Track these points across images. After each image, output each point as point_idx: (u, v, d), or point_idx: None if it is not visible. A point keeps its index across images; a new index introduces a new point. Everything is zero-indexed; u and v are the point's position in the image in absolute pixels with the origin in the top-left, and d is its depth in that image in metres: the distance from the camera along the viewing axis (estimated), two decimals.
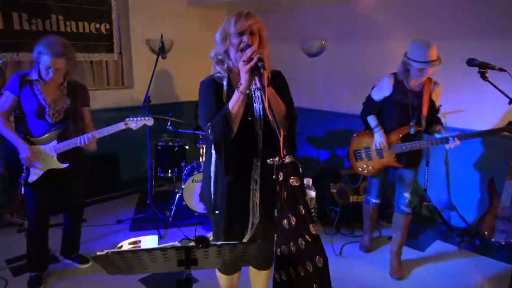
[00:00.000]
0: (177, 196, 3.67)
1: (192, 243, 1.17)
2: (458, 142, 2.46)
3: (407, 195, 2.77)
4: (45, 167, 2.46)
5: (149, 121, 2.67)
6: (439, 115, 2.78)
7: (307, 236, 1.19)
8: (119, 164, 4.50)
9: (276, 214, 1.36)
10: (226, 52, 1.70)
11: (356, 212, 3.38)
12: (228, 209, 1.78)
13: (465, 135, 2.50)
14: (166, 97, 4.79)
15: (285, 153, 1.31)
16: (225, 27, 1.67)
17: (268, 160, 1.36)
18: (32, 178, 2.44)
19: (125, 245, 1.29)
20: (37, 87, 2.38)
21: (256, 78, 1.51)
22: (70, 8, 3.98)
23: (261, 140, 1.72)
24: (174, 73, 4.87)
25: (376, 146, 2.73)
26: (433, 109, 2.68)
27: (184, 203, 3.52)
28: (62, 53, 2.28)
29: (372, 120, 2.80)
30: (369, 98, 2.85)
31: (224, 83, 1.73)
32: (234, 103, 1.58)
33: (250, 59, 1.50)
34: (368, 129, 2.86)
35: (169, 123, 3.75)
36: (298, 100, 4.57)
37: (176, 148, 3.84)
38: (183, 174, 3.75)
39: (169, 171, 3.84)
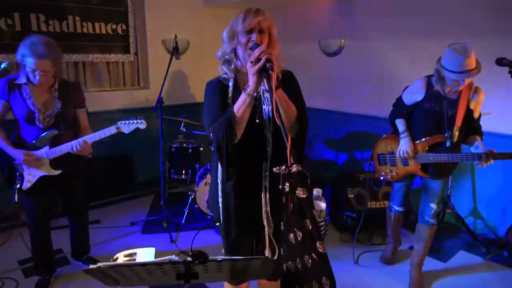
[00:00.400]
0: (190, 198, 3.61)
1: (189, 258, 1.09)
2: (491, 161, 2.26)
3: (433, 206, 2.58)
4: (39, 174, 2.37)
5: (142, 125, 2.50)
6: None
7: (313, 254, 1.09)
8: (134, 164, 4.49)
9: (282, 227, 1.26)
10: (234, 52, 1.62)
11: (374, 218, 3.23)
12: (236, 218, 1.69)
13: (501, 154, 2.28)
14: (180, 98, 4.76)
15: (292, 161, 1.21)
16: (233, 25, 1.58)
17: (274, 169, 1.26)
18: (26, 185, 2.37)
19: (121, 257, 1.22)
20: (25, 91, 2.26)
21: (264, 80, 1.42)
22: (87, 9, 3.99)
23: (270, 143, 1.62)
24: (190, 73, 4.83)
25: (400, 153, 2.57)
26: (471, 119, 2.43)
27: (196, 206, 3.47)
28: (46, 54, 2.14)
29: (400, 124, 2.62)
30: (399, 100, 2.66)
31: (230, 84, 1.64)
32: (240, 106, 1.49)
33: (258, 59, 1.41)
34: (396, 133, 2.70)
35: (182, 124, 3.71)
36: (316, 101, 4.52)
37: (190, 150, 3.79)
38: (196, 177, 3.70)
39: (183, 173, 3.79)
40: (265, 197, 1.66)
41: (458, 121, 2.37)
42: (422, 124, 2.52)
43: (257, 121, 1.58)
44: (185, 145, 3.80)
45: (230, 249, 1.78)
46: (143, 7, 4.38)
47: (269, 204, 1.67)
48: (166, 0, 4.49)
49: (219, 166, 1.70)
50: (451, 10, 3.31)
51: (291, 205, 1.18)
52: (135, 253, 1.20)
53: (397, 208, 2.83)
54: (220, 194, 1.73)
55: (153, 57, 4.51)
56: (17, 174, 2.36)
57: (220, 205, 1.73)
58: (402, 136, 2.58)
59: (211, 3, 4.74)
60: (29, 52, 2.11)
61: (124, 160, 4.41)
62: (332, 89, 4.41)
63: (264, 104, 1.62)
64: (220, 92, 1.63)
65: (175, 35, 3.57)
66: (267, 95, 1.63)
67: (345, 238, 3.34)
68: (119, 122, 2.41)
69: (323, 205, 1.32)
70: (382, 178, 2.76)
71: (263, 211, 1.68)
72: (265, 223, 1.68)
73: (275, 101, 1.34)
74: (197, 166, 3.77)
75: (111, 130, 2.35)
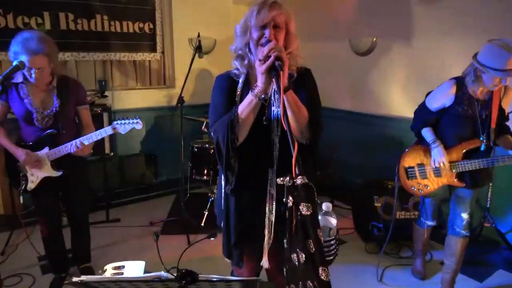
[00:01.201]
0: (210, 200, 3.53)
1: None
2: None
3: (465, 216, 2.37)
4: (41, 175, 2.31)
5: (138, 125, 2.31)
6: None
7: (315, 282, 0.95)
8: (157, 163, 4.49)
9: (285, 245, 1.13)
10: (247, 47, 1.50)
11: (403, 230, 3.00)
12: (235, 224, 1.58)
13: None
14: (205, 97, 4.68)
15: (297, 172, 1.07)
16: (247, 18, 1.46)
17: (278, 180, 1.13)
18: (30, 186, 2.31)
19: (109, 269, 1.13)
20: (23, 90, 2.18)
21: (274, 80, 1.29)
22: (115, 8, 4.01)
23: (277, 148, 1.49)
24: (215, 73, 4.75)
25: (434, 164, 2.35)
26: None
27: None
28: (40, 49, 2.01)
29: (428, 134, 2.39)
30: (423, 107, 2.44)
31: (240, 80, 1.53)
32: (245, 107, 1.37)
33: (267, 57, 1.28)
34: (421, 143, 2.49)
35: (204, 124, 3.63)
36: (343, 101, 4.31)
37: (212, 151, 3.71)
38: (218, 178, 3.60)
39: (204, 173, 3.72)
40: (270, 205, 1.54)
41: (493, 123, 2.21)
42: (455, 130, 2.31)
43: (264, 123, 1.45)
44: (207, 145, 3.73)
45: (229, 256, 1.66)
46: (170, 6, 4.35)
47: (274, 214, 1.54)
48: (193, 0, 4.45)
49: None
50: (488, 6, 3.02)
51: (294, 222, 1.05)
52: (123, 266, 1.11)
53: (430, 223, 2.60)
54: (223, 197, 1.63)
55: (180, 56, 4.48)
56: (21, 175, 2.32)
57: (223, 208, 1.64)
58: (433, 145, 2.35)
59: (240, 1, 4.64)
60: (22, 48, 1.99)
61: (148, 158, 4.41)
62: (361, 89, 4.19)
63: (273, 106, 1.49)
64: (228, 88, 1.53)
65: (198, 34, 3.50)
66: (277, 96, 1.50)
67: (371, 249, 3.13)
68: (115, 122, 2.27)
69: (334, 221, 1.18)
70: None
71: (265, 219, 1.56)
72: (266, 231, 1.56)
73: (283, 103, 1.20)
74: (218, 167, 3.68)
75: (108, 131, 2.23)
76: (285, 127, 1.16)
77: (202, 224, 3.44)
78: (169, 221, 3.59)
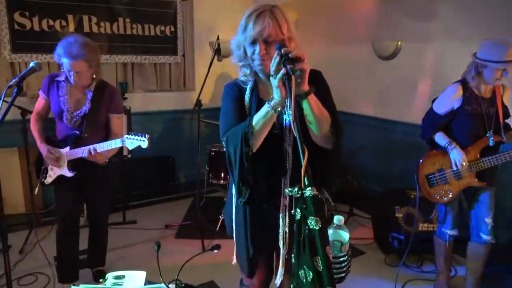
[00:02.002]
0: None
1: None
2: None
3: (488, 220, 2.34)
4: (58, 172, 2.36)
5: (144, 143, 2.19)
6: None
7: None
8: (175, 166, 4.49)
9: (293, 260, 1.06)
10: (247, 58, 1.42)
11: (425, 242, 2.85)
12: (249, 235, 1.52)
13: None
14: None
15: (307, 183, 1.00)
16: (238, 33, 1.38)
17: (286, 190, 1.06)
18: (48, 180, 2.38)
19: (110, 278, 1.09)
20: (62, 88, 2.28)
21: (285, 84, 1.22)
22: (137, 11, 4.05)
23: (290, 158, 1.43)
24: (236, 76, 4.71)
25: (456, 166, 2.31)
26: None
27: None
28: (81, 55, 2.10)
29: (441, 138, 2.37)
30: (431, 113, 2.43)
31: (248, 87, 1.47)
32: (260, 119, 1.30)
33: (277, 70, 1.20)
34: (436, 148, 2.44)
35: None
36: (365, 106, 4.19)
37: None
38: (228, 187, 3.56)
39: (222, 177, 3.68)
40: (284, 217, 1.47)
41: (501, 118, 2.29)
42: (468, 129, 2.33)
43: (276, 131, 1.39)
44: (224, 149, 3.68)
45: (245, 266, 1.61)
46: (191, 9, 4.37)
47: (287, 225, 1.47)
48: (215, 2, 4.45)
49: None
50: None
51: (302, 237, 0.98)
52: (123, 276, 1.07)
53: (451, 232, 2.47)
54: (233, 206, 1.58)
55: (200, 59, 4.49)
56: (43, 168, 2.40)
57: (233, 217, 1.59)
58: (450, 148, 2.33)
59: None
60: (64, 52, 2.10)
61: (166, 161, 4.42)
62: (385, 94, 4.06)
63: (285, 114, 1.42)
64: (237, 97, 1.47)
65: (217, 36, 3.48)
66: (289, 103, 1.43)
67: (391, 262, 3.00)
68: (126, 136, 2.21)
69: (346, 236, 1.10)
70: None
71: (280, 231, 1.49)
72: (281, 244, 1.50)
73: (294, 109, 1.13)
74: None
75: (117, 143, 2.21)
76: (295, 133, 1.10)
77: (217, 229, 3.40)
78: (185, 224, 3.56)
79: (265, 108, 1.29)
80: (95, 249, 2.70)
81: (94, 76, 2.30)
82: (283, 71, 1.18)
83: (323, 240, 0.93)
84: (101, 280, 1.11)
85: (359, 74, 4.25)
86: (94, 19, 3.82)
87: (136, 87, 4.26)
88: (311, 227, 0.95)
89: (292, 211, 1.05)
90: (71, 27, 3.72)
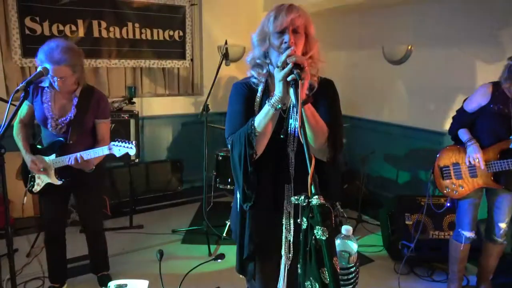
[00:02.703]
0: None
1: None
2: None
3: (502, 225, 2.35)
4: (45, 180, 2.29)
5: (131, 150, 2.18)
6: None
7: None
8: (183, 170, 4.48)
9: (299, 270, 1.03)
10: (266, 55, 1.42)
11: (435, 251, 2.80)
12: (251, 242, 1.49)
13: None
14: None
15: (313, 191, 0.97)
16: (264, 25, 1.38)
17: (292, 198, 1.03)
18: (36, 188, 2.32)
19: (112, 287, 1.07)
20: (46, 95, 2.19)
21: (291, 90, 1.20)
22: (146, 16, 4.07)
23: (293, 164, 1.40)
24: None
25: (470, 161, 2.31)
26: None
27: None
28: (63, 60, 2.01)
29: (464, 134, 2.39)
30: (461, 111, 2.44)
31: (259, 89, 1.44)
32: (262, 119, 1.28)
33: (285, 64, 1.20)
34: (459, 144, 2.46)
35: None
36: (375, 112, 4.14)
37: None
38: (234, 192, 3.53)
39: (229, 183, 3.65)
40: (287, 224, 1.45)
41: None
42: (491, 128, 2.32)
43: (281, 136, 1.36)
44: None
45: (241, 271, 1.58)
46: (200, 14, 4.38)
47: (292, 233, 1.44)
48: (223, 7, 4.45)
49: None
50: None
51: (309, 247, 0.95)
52: (126, 285, 1.04)
53: (468, 234, 2.40)
54: (238, 211, 1.55)
55: (208, 64, 4.49)
56: (30, 176, 2.34)
57: (238, 223, 1.55)
58: (469, 143, 2.34)
59: (270, 9, 4.58)
60: (45, 57, 2.01)
61: (173, 165, 4.42)
62: (395, 99, 4.00)
63: (291, 119, 1.40)
64: (246, 97, 1.44)
65: (225, 41, 3.47)
66: (296, 108, 1.41)
67: (400, 270, 2.93)
68: (112, 143, 2.19)
69: (354, 246, 1.06)
70: (447, 202, 2.56)
71: (283, 239, 1.46)
72: (283, 252, 1.47)
73: (301, 115, 1.11)
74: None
75: (104, 151, 2.18)
76: (302, 140, 1.07)
77: (224, 235, 3.37)
78: (191, 230, 3.54)
79: (266, 107, 1.28)
80: (94, 255, 2.67)
81: (79, 81, 2.22)
82: (289, 65, 1.17)
83: (330, 250, 0.90)
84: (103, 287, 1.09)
85: (368, 78, 4.20)
86: (103, 24, 3.85)
87: (145, 91, 4.28)
88: (318, 237, 0.92)
89: (298, 220, 1.03)
90: (81, 32, 3.75)
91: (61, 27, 3.65)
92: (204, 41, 4.45)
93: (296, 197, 1.02)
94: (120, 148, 2.15)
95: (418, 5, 3.62)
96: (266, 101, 1.28)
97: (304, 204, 0.98)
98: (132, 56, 4.09)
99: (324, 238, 0.90)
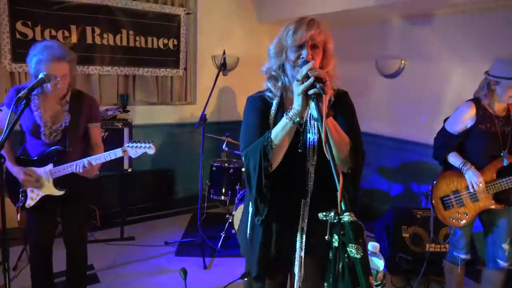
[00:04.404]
0: (227, 222, 3.41)
1: None
2: None
3: (506, 246, 2.25)
4: (42, 192, 2.15)
5: (150, 149, 2.15)
6: None
7: None
8: (174, 180, 4.41)
9: None
10: (282, 68, 1.41)
11: (432, 264, 2.81)
12: (260, 257, 1.46)
13: None
14: (226, 115, 4.65)
15: (344, 208, 0.96)
16: (282, 38, 1.37)
17: (320, 214, 1.01)
18: (29, 203, 2.14)
19: None
20: (34, 102, 2.04)
21: (313, 104, 1.19)
22: (141, 23, 4.02)
23: (312, 179, 1.38)
24: (238, 90, 4.71)
25: (473, 187, 2.24)
26: None
27: (233, 231, 3.25)
28: (64, 56, 1.94)
29: (456, 158, 2.31)
30: (444, 133, 2.38)
31: (274, 102, 1.43)
32: (279, 131, 1.27)
33: (305, 78, 1.19)
34: (450, 169, 2.37)
35: (225, 143, 3.55)
36: (369, 124, 4.17)
37: (231, 170, 3.61)
38: (236, 199, 3.50)
39: (223, 193, 3.61)
40: (301, 241, 1.42)
41: None
42: (483, 148, 2.27)
43: (299, 151, 1.34)
44: (226, 164, 3.63)
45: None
46: (195, 23, 4.36)
47: (304, 250, 1.42)
48: (218, 17, 4.45)
49: None
50: None
51: (341, 265, 0.92)
52: None
53: (464, 256, 2.40)
54: (248, 226, 1.52)
55: (202, 73, 4.46)
56: (21, 190, 2.14)
57: (248, 237, 1.52)
58: (465, 168, 2.26)
59: (265, 20, 4.62)
60: (47, 55, 1.89)
61: (165, 175, 4.34)
62: (388, 113, 4.06)
63: (309, 132, 1.38)
64: (261, 110, 1.43)
65: (223, 51, 3.46)
66: (313, 121, 1.40)
67: (397, 283, 2.94)
68: (126, 145, 2.13)
69: (381, 263, 1.05)
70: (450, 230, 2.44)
71: (296, 256, 1.44)
72: (296, 270, 1.44)
73: (326, 130, 1.10)
74: (237, 187, 3.58)
75: (117, 153, 2.09)
76: (328, 156, 1.05)
77: (219, 247, 3.31)
78: (185, 242, 3.46)
79: (283, 120, 1.26)
80: (72, 276, 2.42)
81: (70, 84, 2.12)
82: (311, 79, 1.16)
83: (365, 269, 0.87)
84: None
85: (361, 91, 4.25)
86: (97, 31, 3.78)
87: (137, 99, 4.20)
88: (351, 255, 0.89)
89: (326, 237, 1.00)
90: (74, 38, 3.67)
91: (53, 32, 3.56)
92: (199, 51, 4.43)
93: (324, 214, 1.00)
94: (136, 149, 2.08)
95: (410, 20, 3.70)
96: (284, 114, 1.27)
97: (335, 221, 0.96)
98: (125, 63, 4.02)
99: (358, 256, 0.88)
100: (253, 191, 1.34)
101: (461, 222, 2.33)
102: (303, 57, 1.32)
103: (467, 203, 2.32)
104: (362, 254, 0.89)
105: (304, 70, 1.20)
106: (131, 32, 3.98)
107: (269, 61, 1.45)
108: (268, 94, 1.46)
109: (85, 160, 2.06)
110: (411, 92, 3.79)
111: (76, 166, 2.05)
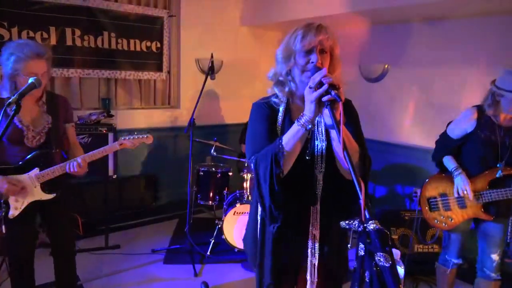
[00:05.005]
0: (217, 228, 3.36)
1: None
2: None
3: (495, 257, 2.24)
4: (28, 200, 2.04)
5: (148, 139, 2.20)
6: None
7: None
8: (157, 186, 4.31)
9: None
10: (289, 73, 1.40)
11: (421, 264, 2.88)
12: (272, 265, 1.44)
13: None
14: (210, 118, 4.60)
15: (367, 216, 0.95)
16: (290, 43, 1.36)
17: (342, 223, 1.01)
18: (13, 213, 2.01)
19: None
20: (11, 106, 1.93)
21: (327, 110, 1.18)
22: (123, 26, 3.92)
23: (321, 186, 1.38)
24: (222, 94, 4.67)
25: (458, 192, 2.25)
26: None
27: (223, 236, 3.21)
28: (44, 52, 1.88)
29: (450, 162, 2.32)
30: (444, 136, 2.38)
31: (281, 109, 1.42)
32: (291, 138, 1.26)
33: (319, 85, 1.18)
34: (444, 172, 2.39)
35: (213, 148, 3.50)
36: None
37: (219, 175, 3.57)
38: (224, 204, 3.46)
39: (210, 198, 3.56)
40: (312, 247, 1.42)
41: None
42: (479, 156, 2.23)
43: (307, 158, 1.34)
44: (213, 169, 3.59)
45: None
46: (178, 26, 4.29)
47: (317, 256, 1.42)
48: (202, 20, 4.40)
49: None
50: (502, 39, 3.04)
51: (369, 274, 0.92)
52: None
53: (455, 261, 2.41)
54: (258, 234, 1.49)
55: (186, 76, 4.40)
56: (1, 201, 1.98)
57: (258, 248, 1.50)
58: (456, 173, 2.27)
59: (249, 23, 4.61)
60: (26, 52, 1.81)
61: (148, 181, 4.24)
62: (371, 116, 4.13)
63: (316, 140, 1.38)
64: (268, 116, 1.41)
65: (211, 55, 3.42)
66: (321, 128, 1.40)
67: None
68: (122, 138, 2.13)
69: (401, 271, 1.05)
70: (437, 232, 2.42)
71: (308, 262, 1.43)
72: (308, 277, 1.44)
73: (343, 137, 1.10)
74: (225, 192, 3.55)
75: (114, 146, 2.07)
76: (347, 165, 1.05)
77: (208, 253, 3.26)
78: (173, 249, 3.38)
79: (295, 127, 1.26)
80: (66, 279, 2.34)
81: (45, 86, 2.05)
82: (325, 86, 1.16)
83: (395, 278, 0.87)
84: None
85: (345, 95, 4.31)
86: (77, 32, 3.65)
87: (120, 103, 4.08)
88: (380, 263, 0.89)
89: (349, 245, 1.00)
90: (53, 40, 3.52)
91: (31, 34, 3.40)
92: (182, 54, 4.36)
93: (347, 222, 1.00)
94: (133, 141, 2.10)
95: (391, 26, 3.79)
96: (296, 120, 1.26)
97: (360, 229, 0.95)
98: (107, 66, 3.90)
99: (388, 265, 0.88)
100: (266, 199, 1.31)
101: (445, 225, 2.35)
102: (312, 62, 1.32)
103: (454, 208, 2.32)
104: (391, 262, 0.88)
105: (317, 77, 1.19)
106: (112, 34, 3.88)
107: (276, 66, 1.44)
108: (275, 100, 1.45)
109: (78, 158, 2.01)
110: (394, 95, 3.88)
111: (69, 166, 2.00)
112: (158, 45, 4.20)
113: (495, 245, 2.25)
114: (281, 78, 1.42)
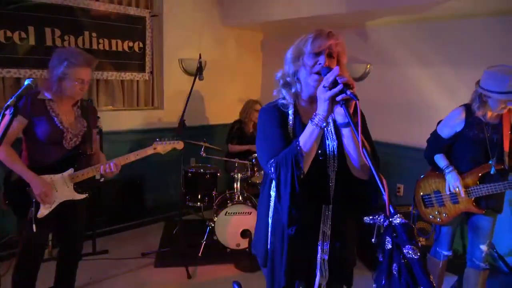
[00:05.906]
0: (208, 229, 3.34)
1: None
2: None
3: (483, 247, 2.35)
4: (59, 200, 2.10)
5: (179, 145, 2.42)
6: None
7: None
8: (143, 188, 4.23)
9: None
10: (296, 74, 1.43)
11: None
12: (288, 265, 1.46)
13: None
14: (196, 119, 4.55)
15: (392, 211, 0.99)
16: (300, 45, 1.40)
17: (365, 218, 1.04)
18: (43, 212, 2.04)
19: None
20: (52, 108, 2.05)
21: (339, 109, 1.22)
22: (104, 25, 3.82)
23: (333, 185, 1.42)
24: (206, 94, 4.65)
25: (449, 189, 2.35)
26: None
27: (215, 237, 3.20)
28: (93, 62, 2.07)
29: (441, 160, 2.41)
30: (435, 135, 2.47)
31: (290, 111, 1.44)
32: (307, 139, 1.28)
33: (333, 84, 1.21)
34: (437, 170, 2.48)
35: (202, 148, 3.48)
36: None
37: (207, 176, 3.55)
38: (214, 205, 3.45)
39: (199, 200, 3.53)
40: (322, 245, 1.45)
41: (506, 146, 2.22)
42: (469, 154, 2.33)
43: (320, 158, 1.37)
44: (202, 170, 3.57)
45: None
46: (161, 25, 4.23)
47: (327, 253, 1.45)
48: (184, 20, 4.35)
49: (271, 204, 1.50)
50: (482, 39, 3.20)
51: (397, 267, 0.95)
52: None
53: (446, 253, 2.52)
54: (269, 235, 1.51)
55: (169, 77, 4.34)
56: (34, 200, 2.02)
57: (269, 247, 1.52)
58: (447, 171, 2.37)
59: (230, 24, 4.61)
60: (80, 60, 1.99)
61: (133, 184, 4.14)
62: None
63: (327, 139, 1.42)
64: (280, 120, 1.43)
65: (200, 55, 3.40)
66: (331, 128, 1.43)
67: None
68: (156, 142, 2.31)
69: None
70: (432, 227, 2.51)
71: (317, 259, 1.47)
72: (318, 272, 1.47)
73: (361, 135, 1.13)
74: (214, 193, 3.53)
75: (148, 151, 2.25)
76: (368, 162, 1.09)
77: (200, 255, 3.24)
78: (163, 252, 3.34)
79: (309, 127, 1.28)
80: (67, 281, 2.38)
81: None
82: (340, 86, 1.19)
83: (424, 269, 0.91)
84: None
85: None
86: (57, 32, 3.53)
87: (102, 104, 3.99)
88: (408, 256, 0.93)
89: (373, 240, 1.03)
90: (32, 40, 3.39)
91: (9, 33, 3.26)
92: (165, 54, 4.30)
93: (371, 217, 1.03)
94: (165, 146, 2.30)
95: (373, 28, 3.90)
96: (310, 121, 1.28)
97: (386, 224, 0.99)
98: None
99: (416, 257, 0.92)
100: (285, 201, 1.31)
101: (439, 220, 2.45)
102: (320, 63, 1.35)
103: (447, 204, 2.41)
104: (419, 254, 0.92)
105: (330, 76, 1.22)
106: (94, 34, 3.78)
107: (284, 67, 1.46)
108: (282, 101, 1.47)
109: (114, 160, 2.18)
110: (378, 95, 3.99)
111: (105, 167, 2.15)
112: (141, 45, 4.13)
113: (485, 236, 2.35)
114: (288, 79, 1.45)
